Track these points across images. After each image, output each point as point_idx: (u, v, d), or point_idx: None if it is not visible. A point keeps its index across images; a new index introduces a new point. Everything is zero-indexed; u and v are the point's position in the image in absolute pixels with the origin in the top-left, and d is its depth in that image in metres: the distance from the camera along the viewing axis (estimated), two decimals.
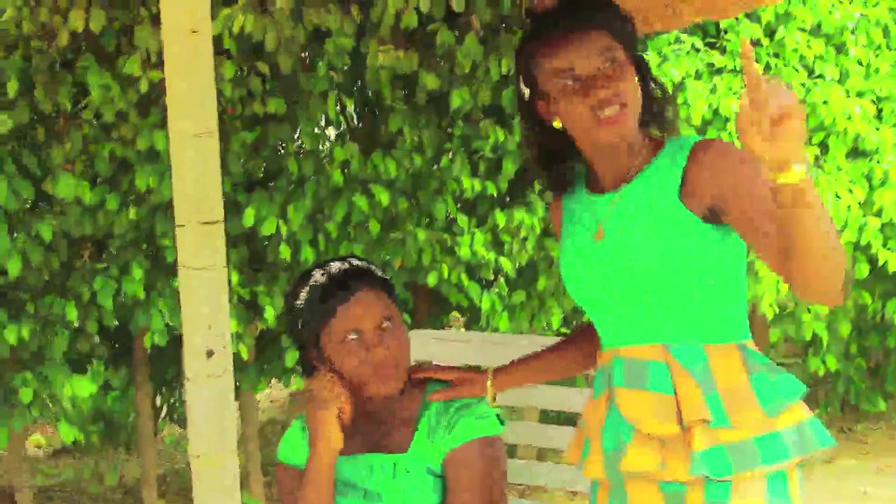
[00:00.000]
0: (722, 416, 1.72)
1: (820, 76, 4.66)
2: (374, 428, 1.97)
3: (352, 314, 1.89)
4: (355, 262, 1.96)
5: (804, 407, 1.76)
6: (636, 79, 1.75)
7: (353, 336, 1.89)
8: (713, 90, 4.44)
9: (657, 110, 1.80)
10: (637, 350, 1.79)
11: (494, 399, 2.06)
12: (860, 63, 4.75)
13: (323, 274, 1.92)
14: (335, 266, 1.94)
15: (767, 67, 4.59)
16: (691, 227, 1.72)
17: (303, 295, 1.93)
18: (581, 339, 2.06)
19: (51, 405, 4.06)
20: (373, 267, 1.97)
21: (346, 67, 3.90)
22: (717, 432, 1.72)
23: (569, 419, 3.95)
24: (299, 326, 1.95)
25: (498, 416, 1.99)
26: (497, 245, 4.07)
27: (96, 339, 4.07)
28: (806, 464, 1.76)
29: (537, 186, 4.01)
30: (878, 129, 4.63)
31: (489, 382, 2.04)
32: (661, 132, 1.83)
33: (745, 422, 1.71)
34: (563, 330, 4.61)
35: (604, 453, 1.84)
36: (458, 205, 4.12)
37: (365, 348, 1.89)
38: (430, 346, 2.58)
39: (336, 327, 1.89)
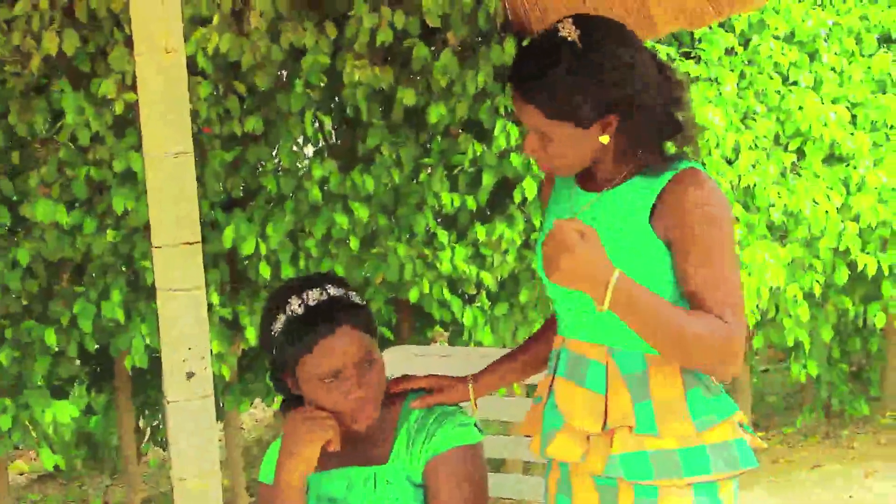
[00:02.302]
0: (651, 424, 1.77)
1: (794, 83, 4.69)
2: (354, 442, 1.96)
3: (330, 355, 1.87)
4: (332, 290, 1.92)
5: (734, 427, 1.82)
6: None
7: (329, 379, 1.88)
8: None
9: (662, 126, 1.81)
10: (582, 346, 1.85)
11: (476, 405, 2.06)
12: (834, 70, 4.79)
13: (300, 304, 1.90)
14: (312, 296, 1.90)
15: (742, 75, 4.62)
16: (652, 248, 1.75)
17: (279, 323, 1.91)
18: (550, 330, 2.07)
19: (32, 431, 4.02)
20: (350, 294, 1.94)
21: (322, 85, 3.89)
22: (643, 438, 1.77)
23: None
24: (274, 353, 1.93)
25: (476, 425, 1.99)
26: (478, 259, 4.07)
27: (77, 363, 4.04)
28: (737, 480, 1.82)
29: (517, 198, 4.01)
30: (853, 135, 4.66)
31: (470, 387, 2.05)
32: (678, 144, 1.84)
33: (672, 432, 1.76)
34: None
35: (542, 435, 1.90)
36: (438, 219, 4.12)
37: (342, 390, 1.88)
38: (413, 362, 2.57)
39: (313, 365, 1.88)
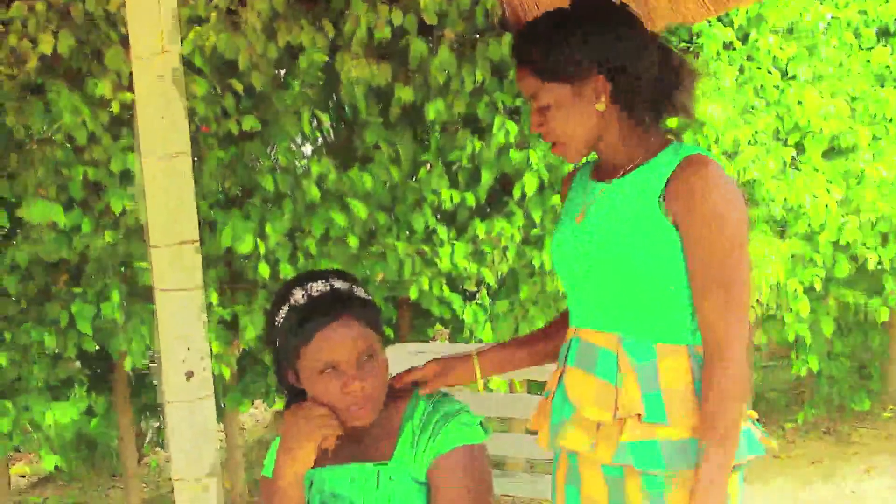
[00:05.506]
0: (661, 413, 1.78)
1: (793, 77, 4.68)
2: (357, 438, 1.95)
3: (329, 345, 1.85)
4: (336, 284, 1.91)
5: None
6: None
7: (328, 370, 1.86)
8: None
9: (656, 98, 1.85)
10: (593, 335, 1.86)
11: (481, 380, 2.07)
12: (833, 64, 4.78)
13: (303, 295, 1.89)
14: (316, 287, 1.89)
15: (741, 70, 4.60)
16: (664, 232, 1.77)
17: (282, 313, 1.90)
18: (562, 329, 2.07)
19: (33, 433, 4.01)
20: (355, 289, 1.92)
21: (320, 83, 3.88)
22: (653, 427, 1.78)
23: None
24: (277, 345, 1.92)
25: (481, 424, 1.97)
26: (478, 255, 4.06)
27: (76, 364, 4.03)
28: (743, 468, 1.83)
29: (516, 194, 3.99)
30: (852, 129, 4.65)
31: (475, 360, 2.05)
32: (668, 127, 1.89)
33: (682, 421, 1.77)
34: None
35: (550, 426, 1.91)
36: (437, 216, 4.11)
37: (340, 384, 1.86)
38: (413, 360, 2.55)
39: (312, 356, 1.86)
